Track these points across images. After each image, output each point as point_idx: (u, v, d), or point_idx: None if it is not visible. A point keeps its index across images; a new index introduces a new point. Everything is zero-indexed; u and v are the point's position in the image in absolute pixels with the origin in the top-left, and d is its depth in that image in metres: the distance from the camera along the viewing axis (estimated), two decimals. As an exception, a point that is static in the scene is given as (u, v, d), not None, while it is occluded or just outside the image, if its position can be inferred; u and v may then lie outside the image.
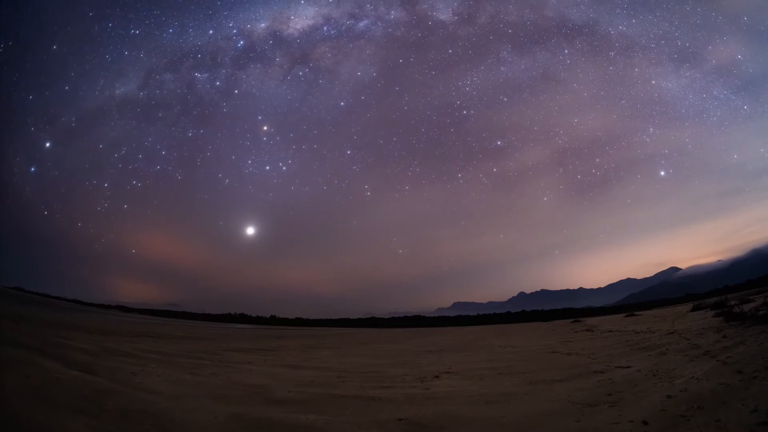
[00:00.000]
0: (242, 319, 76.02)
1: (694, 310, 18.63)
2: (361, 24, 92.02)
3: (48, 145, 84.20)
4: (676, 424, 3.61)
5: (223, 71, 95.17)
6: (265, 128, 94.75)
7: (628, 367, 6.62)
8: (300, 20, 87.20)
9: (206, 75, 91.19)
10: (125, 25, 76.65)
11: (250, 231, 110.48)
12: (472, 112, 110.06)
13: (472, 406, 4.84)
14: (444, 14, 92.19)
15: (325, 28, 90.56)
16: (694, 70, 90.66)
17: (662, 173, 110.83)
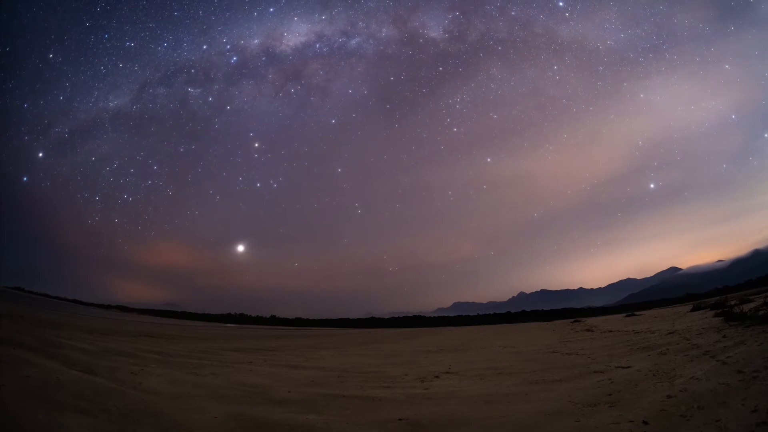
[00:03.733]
0: (242, 319, 75.95)
1: (694, 310, 18.61)
2: (353, 41, 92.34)
3: (41, 155, 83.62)
4: (676, 424, 3.61)
5: (216, 87, 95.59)
6: (256, 145, 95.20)
7: (628, 367, 6.62)
8: (293, 37, 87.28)
9: (199, 90, 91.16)
10: (121, 37, 76.37)
11: (240, 248, 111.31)
12: (462, 129, 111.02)
13: (472, 406, 4.84)
14: (435, 32, 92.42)
15: (317, 45, 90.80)
16: (682, 82, 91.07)
17: (652, 186, 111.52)
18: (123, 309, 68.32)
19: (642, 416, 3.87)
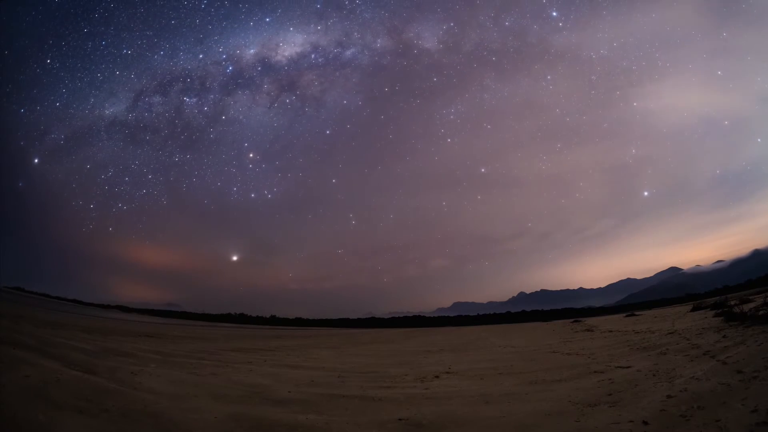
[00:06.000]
0: (242, 319, 75.94)
1: (694, 310, 18.62)
2: (348, 52, 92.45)
3: (36, 161, 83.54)
4: (676, 424, 3.61)
5: (211, 96, 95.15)
6: (251, 155, 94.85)
7: (628, 367, 6.62)
8: (288, 47, 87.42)
9: (194, 99, 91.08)
10: (118, 45, 76.71)
11: (234, 257, 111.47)
12: (456, 139, 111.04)
13: (471, 406, 4.84)
14: (429, 42, 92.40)
15: (312, 55, 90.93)
16: (675, 89, 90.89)
17: (645, 193, 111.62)
18: (123, 309, 68.29)
19: (642, 416, 3.87)
